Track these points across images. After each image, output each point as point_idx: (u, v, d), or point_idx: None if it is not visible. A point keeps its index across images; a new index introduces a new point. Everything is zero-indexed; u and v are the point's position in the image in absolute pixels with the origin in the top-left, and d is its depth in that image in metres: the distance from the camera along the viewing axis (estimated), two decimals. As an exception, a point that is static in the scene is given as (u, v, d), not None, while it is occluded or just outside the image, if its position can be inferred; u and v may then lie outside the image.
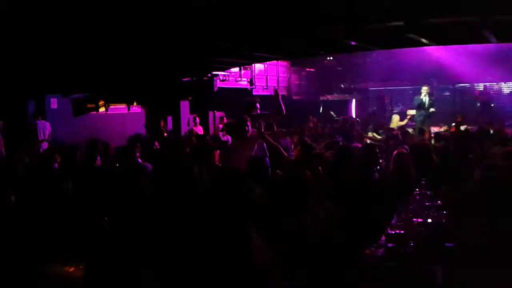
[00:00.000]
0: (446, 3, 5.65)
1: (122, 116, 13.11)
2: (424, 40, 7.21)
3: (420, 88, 13.63)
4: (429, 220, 3.87)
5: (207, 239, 2.21)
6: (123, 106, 13.30)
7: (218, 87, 13.04)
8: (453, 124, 12.57)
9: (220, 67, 11.56)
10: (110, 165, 6.43)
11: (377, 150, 6.61)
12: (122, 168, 5.81)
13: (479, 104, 16.75)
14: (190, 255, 2.19)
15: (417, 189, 4.45)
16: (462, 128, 11.75)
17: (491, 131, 9.66)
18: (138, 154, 6.20)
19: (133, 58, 8.36)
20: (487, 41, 7.40)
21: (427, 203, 4.32)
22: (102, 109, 12.72)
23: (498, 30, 6.70)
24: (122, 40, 6.97)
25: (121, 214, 3.70)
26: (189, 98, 13.16)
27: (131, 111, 13.49)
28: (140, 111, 13.55)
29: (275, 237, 2.41)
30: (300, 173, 3.34)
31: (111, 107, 12.90)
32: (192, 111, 13.53)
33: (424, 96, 13.22)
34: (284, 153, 5.49)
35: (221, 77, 13.19)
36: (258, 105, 6.70)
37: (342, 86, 19.44)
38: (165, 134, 10.45)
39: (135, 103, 13.59)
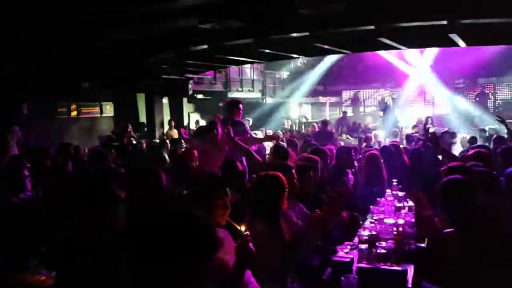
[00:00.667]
0: (415, 8, 5.79)
1: (95, 120, 12.92)
2: (394, 44, 7.36)
3: (384, 92, 14.16)
4: (400, 221, 3.95)
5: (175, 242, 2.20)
6: (95, 109, 13.11)
7: (193, 90, 12.99)
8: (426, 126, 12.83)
9: (194, 70, 11.54)
10: (82, 169, 6.33)
11: (353, 153, 6.71)
12: (94, 172, 5.72)
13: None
14: (160, 258, 2.19)
15: (388, 190, 4.54)
16: (432, 130, 12.01)
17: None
18: (111, 159, 6.14)
19: (105, 59, 8.27)
20: (456, 44, 7.60)
21: (398, 204, 4.41)
22: (74, 113, 12.51)
23: (465, 34, 6.91)
24: (94, 40, 6.89)
25: (93, 219, 3.63)
26: (163, 101, 13.09)
27: (103, 114, 13.30)
28: (113, 114, 13.38)
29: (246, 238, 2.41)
30: (273, 175, 3.35)
31: (83, 111, 12.70)
32: (167, 114, 13.46)
33: (388, 99, 13.65)
34: (257, 157, 5.49)
35: (195, 80, 13.14)
36: (241, 106, 6.50)
37: (316, 88, 19.60)
38: (134, 141, 10.25)
39: (108, 107, 13.41)
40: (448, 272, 2.64)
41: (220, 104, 14.61)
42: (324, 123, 11.60)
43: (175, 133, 12.41)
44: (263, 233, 2.89)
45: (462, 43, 7.37)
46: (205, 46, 7.74)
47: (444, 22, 6.09)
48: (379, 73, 17.71)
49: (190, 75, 12.15)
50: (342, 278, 2.87)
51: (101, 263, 2.53)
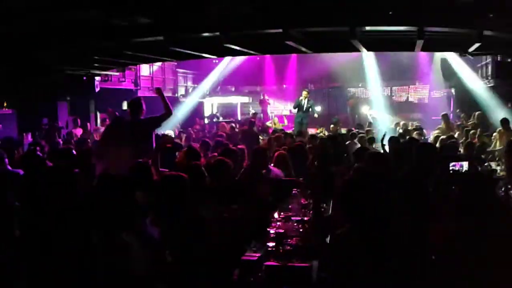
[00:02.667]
0: (320, 15, 6.06)
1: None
2: (301, 48, 7.62)
3: (301, 92, 14.45)
4: (306, 218, 4.12)
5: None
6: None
7: (100, 87, 12.42)
8: (331, 126, 13.47)
9: (101, 66, 11.06)
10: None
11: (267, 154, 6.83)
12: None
13: (348, 109, 18.21)
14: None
15: (295, 189, 4.69)
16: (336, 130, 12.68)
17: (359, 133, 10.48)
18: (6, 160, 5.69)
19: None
20: (357, 50, 8.06)
21: (304, 202, 4.58)
22: (-36, 110, 11.35)
23: (366, 41, 7.37)
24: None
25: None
26: (67, 98, 12.37)
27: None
28: (11, 112, 12.35)
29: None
30: (176, 175, 3.34)
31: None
32: (71, 112, 12.74)
33: (304, 99, 13.96)
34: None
35: (102, 77, 12.57)
36: (144, 105, 6.31)
37: (229, 88, 19.74)
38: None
39: (5, 103, 12.36)
40: (347, 267, 2.81)
41: (125, 102, 14.14)
42: (251, 123, 11.56)
43: (79, 132, 11.78)
44: (167, 233, 2.87)
45: (363, 49, 7.85)
46: (113, 42, 7.46)
47: (346, 29, 6.45)
48: (290, 74, 18.35)
49: (97, 72, 11.62)
50: (251, 277, 2.93)
51: None
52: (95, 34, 7.09)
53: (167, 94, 17.05)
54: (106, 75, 12.68)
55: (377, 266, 2.75)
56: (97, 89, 12.07)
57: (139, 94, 14.90)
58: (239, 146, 7.04)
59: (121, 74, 13.84)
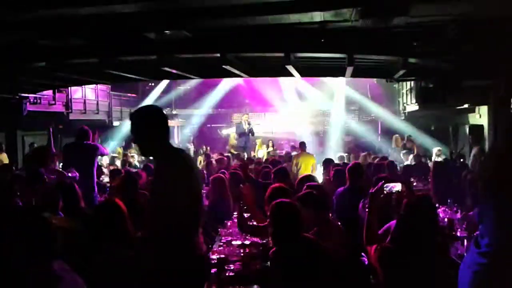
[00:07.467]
0: (255, 40, 6.21)
1: None
2: (238, 72, 7.74)
3: (242, 116, 15.11)
4: (247, 242, 4.13)
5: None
6: None
7: (28, 110, 11.80)
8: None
9: (30, 88, 10.57)
10: None
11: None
12: None
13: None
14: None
15: (235, 213, 4.70)
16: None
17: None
18: None
19: None
20: (291, 75, 8.31)
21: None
22: None
23: (299, 66, 7.63)
24: None
25: None
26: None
27: None
28: None
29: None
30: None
31: None
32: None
33: (245, 124, 14.55)
34: None
35: (31, 99, 11.95)
36: (90, 133, 6.68)
37: (167, 110, 19.46)
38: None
39: None
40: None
41: (60, 127, 13.57)
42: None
43: (4, 158, 11.09)
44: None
45: (296, 74, 8.10)
46: (43, 63, 7.16)
47: (281, 54, 6.65)
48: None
49: (25, 94, 11.07)
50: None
51: None
52: (25, 55, 6.79)
53: (101, 117, 16.53)
54: (35, 98, 12.08)
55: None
56: (25, 112, 11.48)
57: (71, 117, 14.32)
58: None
59: (51, 96, 13.20)
